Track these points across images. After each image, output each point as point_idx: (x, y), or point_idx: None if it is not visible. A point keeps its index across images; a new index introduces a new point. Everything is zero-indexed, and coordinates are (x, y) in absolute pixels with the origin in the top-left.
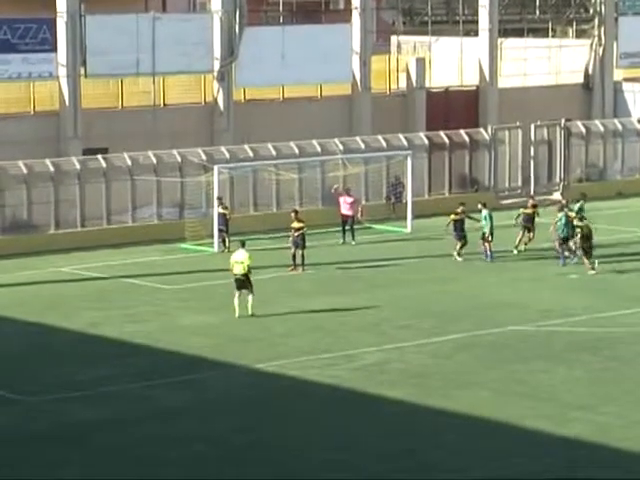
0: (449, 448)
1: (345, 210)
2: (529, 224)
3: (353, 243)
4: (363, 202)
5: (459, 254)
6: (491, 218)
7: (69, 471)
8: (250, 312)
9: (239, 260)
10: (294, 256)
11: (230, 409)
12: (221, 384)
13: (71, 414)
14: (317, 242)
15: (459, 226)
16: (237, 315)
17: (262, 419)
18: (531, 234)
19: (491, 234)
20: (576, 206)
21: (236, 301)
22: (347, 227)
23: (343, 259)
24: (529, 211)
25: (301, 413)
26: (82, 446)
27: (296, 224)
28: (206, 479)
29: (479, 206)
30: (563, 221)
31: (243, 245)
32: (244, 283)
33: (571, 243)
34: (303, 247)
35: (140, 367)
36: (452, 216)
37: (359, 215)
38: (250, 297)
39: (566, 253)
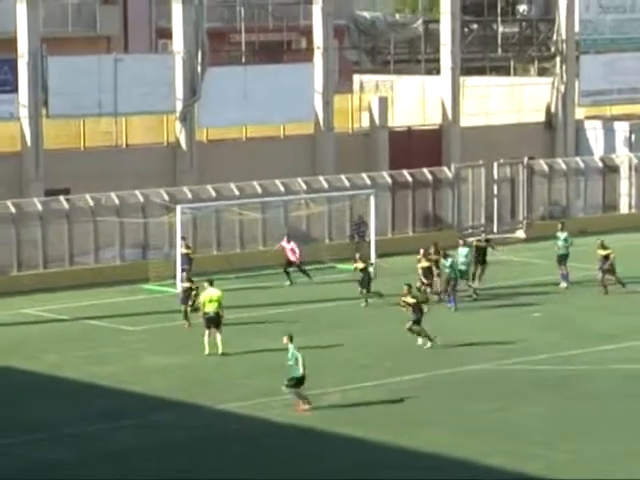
0: None
1: (290, 256)
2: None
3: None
4: (326, 241)
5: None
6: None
7: None
8: (220, 351)
9: (214, 298)
10: (185, 312)
11: (191, 449)
12: (184, 425)
13: (34, 456)
14: (279, 282)
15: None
16: (207, 352)
17: (223, 458)
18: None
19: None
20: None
21: (206, 339)
22: (291, 269)
23: (305, 299)
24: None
25: (262, 452)
26: None
27: (187, 284)
28: None
29: (460, 242)
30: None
31: (212, 283)
32: (215, 321)
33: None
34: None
35: (104, 409)
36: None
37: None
38: (219, 335)
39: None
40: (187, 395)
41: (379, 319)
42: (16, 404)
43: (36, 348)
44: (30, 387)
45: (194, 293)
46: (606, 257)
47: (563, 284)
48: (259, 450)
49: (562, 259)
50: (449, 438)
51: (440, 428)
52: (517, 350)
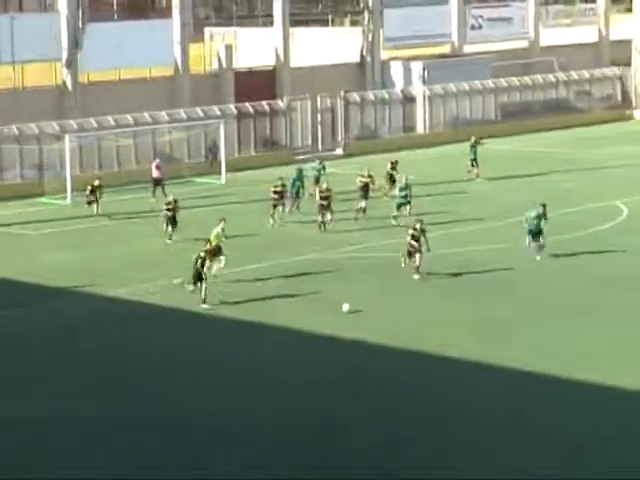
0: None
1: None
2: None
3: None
4: (186, 160)
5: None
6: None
7: None
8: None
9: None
10: None
11: (94, 329)
12: (79, 309)
13: None
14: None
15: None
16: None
17: (119, 336)
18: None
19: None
20: None
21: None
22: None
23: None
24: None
25: (133, 330)
26: None
27: None
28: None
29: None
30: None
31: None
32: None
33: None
34: None
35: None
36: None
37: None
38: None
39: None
40: (82, 285)
41: (232, 222)
42: None
43: None
44: None
45: None
46: (366, 185)
47: None
48: (125, 328)
49: None
50: (302, 313)
51: (293, 305)
52: (336, 241)
